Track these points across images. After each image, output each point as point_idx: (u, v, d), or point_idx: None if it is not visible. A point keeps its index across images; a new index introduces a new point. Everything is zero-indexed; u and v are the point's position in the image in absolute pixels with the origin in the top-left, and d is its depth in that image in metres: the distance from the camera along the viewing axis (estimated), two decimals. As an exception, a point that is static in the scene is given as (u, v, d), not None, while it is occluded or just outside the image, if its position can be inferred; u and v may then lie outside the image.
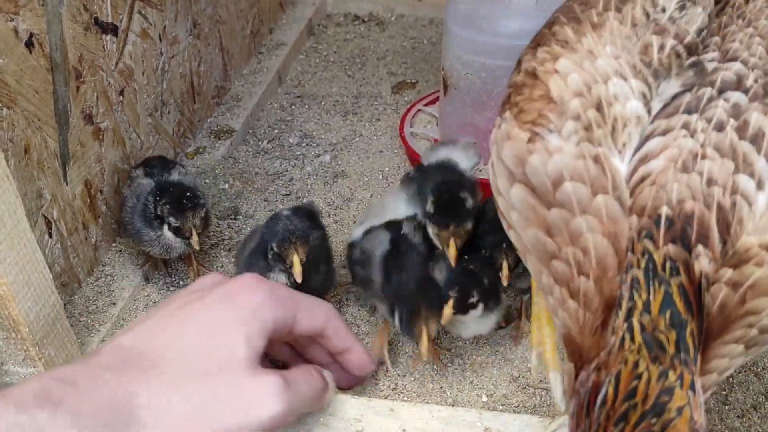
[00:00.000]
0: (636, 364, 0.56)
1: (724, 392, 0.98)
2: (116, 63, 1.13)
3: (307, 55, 1.90)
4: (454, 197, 1.00)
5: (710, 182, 0.59)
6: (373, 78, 1.79)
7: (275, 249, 0.93)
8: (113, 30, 1.11)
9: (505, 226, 0.74)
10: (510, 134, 0.69)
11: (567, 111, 0.65)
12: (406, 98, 1.69)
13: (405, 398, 0.98)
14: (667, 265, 0.58)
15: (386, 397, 0.98)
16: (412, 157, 1.43)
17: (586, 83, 0.66)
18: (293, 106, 1.66)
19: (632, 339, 0.57)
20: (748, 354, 0.62)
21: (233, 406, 0.68)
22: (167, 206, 1.03)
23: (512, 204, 0.68)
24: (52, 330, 0.89)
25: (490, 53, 1.29)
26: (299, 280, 0.91)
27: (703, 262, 0.58)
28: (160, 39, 1.26)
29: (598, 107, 0.65)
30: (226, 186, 1.37)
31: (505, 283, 0.97)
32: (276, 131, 1.57)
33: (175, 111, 1.36)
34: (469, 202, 1.01)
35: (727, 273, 0.58)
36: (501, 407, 0.97)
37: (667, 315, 0.57)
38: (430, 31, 1.99)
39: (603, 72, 0.67)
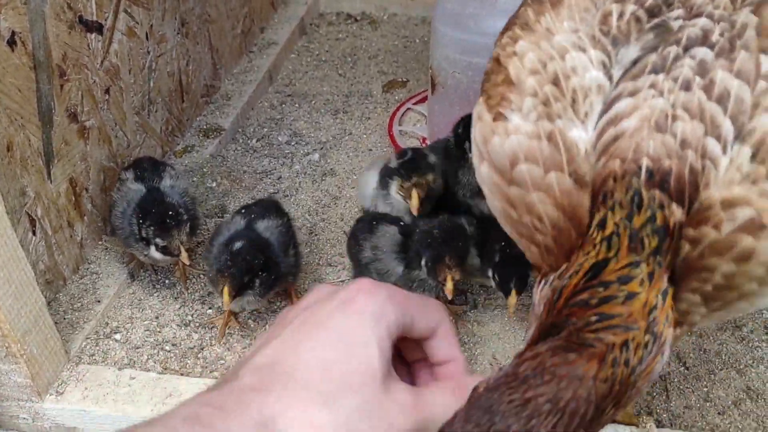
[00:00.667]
0: (607, 252, 0.62)
1: (705, 389, 0.98)
2: (102, 61, 1.14)
3: (298, 54, 1.90)
4: (418, 153, 1.12)
5: (684, 144, 0.62)
6: (364, 77, 1.80)
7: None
8: (98, 28, 1.12)
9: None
10: (480, 116, 0.73)
11: (524, 90, 0.68)
12: (396, 97, 1.70)
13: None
14: (655, 201, 0.62)
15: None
16: (400, 155, 1.43)
17: (542, 60, 0.69)
18: (283, 105, 1.66)
19: (604, 234, 0.62)
20: (710, 311, 0.65)
21: (376, 421, 0.67)
22: (152, 228, 1.02)
23: (482, 179, 0.74)
24: (34, 327, 0.90)
25: (476, 52, 1.29)
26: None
27: (677, 213, 0.62)
28: (147, 37, 1.27)
29: (555, 82, 0.68)
30: (214, 184, 1.38)
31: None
32: (266, 130, 1.57)
33: (163, 110, 1.36)
34: (432, 158, 1.12)
35: (689, 231, 0.62)
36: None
37: (649, 228, 0.61)
38: (422, 30, 1.99)
39: (560, 47, 0.69)
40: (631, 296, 0.60)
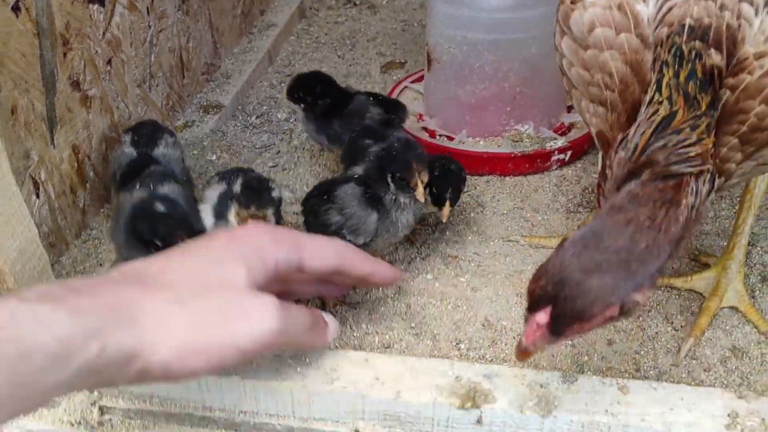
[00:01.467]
0: (671, 108, 0.76)
1: (692, 348, 1.01)
2: (103, 33, 1.17)
3: (298, 36, 1.93)
4: (263, 184, 1.06)
5: (722, 7, 0.78)
6: (363, 58, 1.82)
7: None
8: (100, 0, 1.14)
9: (565, 83, 0.92)
10: (562, 1, 0.90)
11: None
12: (394, 77, 1.72)
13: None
14: (693, 52, 0.77)
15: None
16: (397, 130, 1.45)
17: None
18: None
19: (662, 95, 0.77)
20: (744, 157, 0.77)
21: (232, 319, 0.72)
22: (154, 234, 0.97)
23: (563, 53, 0.88)
24: (37, 284, 0.92)
25: (471, 27, 1.32)
26: None
27: (715, 59, 0.76)
28: (147, 12, 1.29)
29: None
30: (214, 157, 1.40)
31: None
32: (265, 107, 1.60)
33: (163, 84, 1.39)
34: (275, 193, 1.06)
35: (729, 80, 0.76)
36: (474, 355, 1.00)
37: (691, 84, 0.76)
38: (420, 14, 2.02)
39: None
40: (700, 140, 0.74)
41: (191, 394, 0.96)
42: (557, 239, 1.19)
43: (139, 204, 0.99)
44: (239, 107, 1.59)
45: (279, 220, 1.04)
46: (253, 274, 0.75)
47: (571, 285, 0.69)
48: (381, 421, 0.93)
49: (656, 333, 1.03)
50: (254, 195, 1.00)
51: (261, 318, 0.72)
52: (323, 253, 0.83)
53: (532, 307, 0.72)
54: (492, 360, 1.00)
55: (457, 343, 1.02)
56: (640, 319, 1.05)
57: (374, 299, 1.10)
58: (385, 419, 0.92)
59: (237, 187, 1.02)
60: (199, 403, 0.96)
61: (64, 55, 1.07)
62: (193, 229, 0.98)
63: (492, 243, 1.21)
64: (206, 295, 0.71)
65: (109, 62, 1.19)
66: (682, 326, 1.04)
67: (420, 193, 1.04)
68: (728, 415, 0.85)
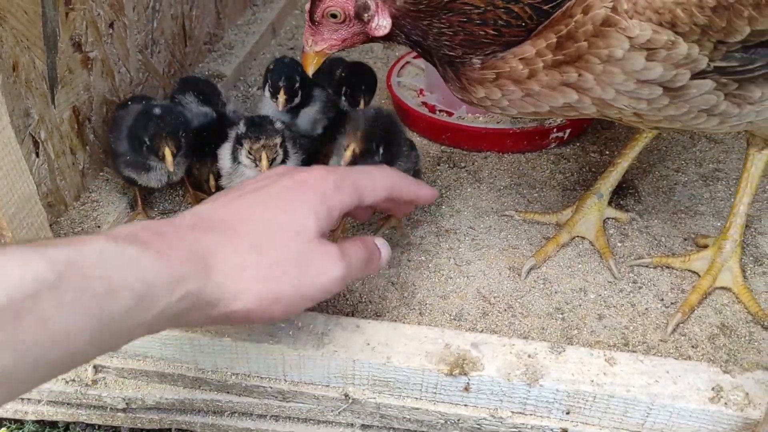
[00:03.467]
0: None
1: (681, 324, 1.02)
2: (106, -5, 1.17)
3: (302, 11, 1.93)
4: (264, 119, 1.12)
5: None
6: (366, 34, 1.82)
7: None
8: (104, -38, 1.14)
9: None
10: None
11: None
12: (396, 53, 1.72)
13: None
14: None
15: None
16: (398, 104, 1.46)
17: None
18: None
19: None
20: (554, 56, 0.83)
21: (305, 270, 0.76)
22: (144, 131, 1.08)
23: None
24: (36, 239, 0.93)
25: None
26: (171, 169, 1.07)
27: None
28: (151, -23, 1.29)
29: None
30: (214, 126, 1.41)
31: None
32: (266, 79, 1.60)
33: (165, 51, 1.39)
34: (278, 125, 1.12)
35: None
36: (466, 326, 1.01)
37: None
38: (425, -9, 2.00)
39: None
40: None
41: (184, 355, 0.97)
42: (552, 215, 1.20)
43: (142, 108, 1.11)
44: (241, 77, 1.59)
45: (286, 153, 1.09)
46: (320, 223, 0.79)
47: None
48: (371, 386, 0.94)
49: (646, 309, 1.04)
50: (260, 128, 1.07)
51: (329, 269, 0.78)
52: (377, 185, 0.89)
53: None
54: (483, 331, 1.01)
55: (448, 314, 1.04)
56: (631, 295, 1.06)
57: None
58: (374, 384, 0.93)
59: (242, 128, 1.08)
60: (192, 364, 0.98)
61: (66, 14, 1.07)
62: (178, 135, 1.07)
63: (487, 218, 1.22)
64: (279, 244, 0.75)
65: (111, 25, 1.19)
66: (672, 303, 1.05)
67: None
68: (713, 389, 0.86)
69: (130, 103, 1.17)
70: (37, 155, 1.05)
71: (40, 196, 1.03)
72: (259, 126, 1.08)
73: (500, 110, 0.91)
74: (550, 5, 0.83)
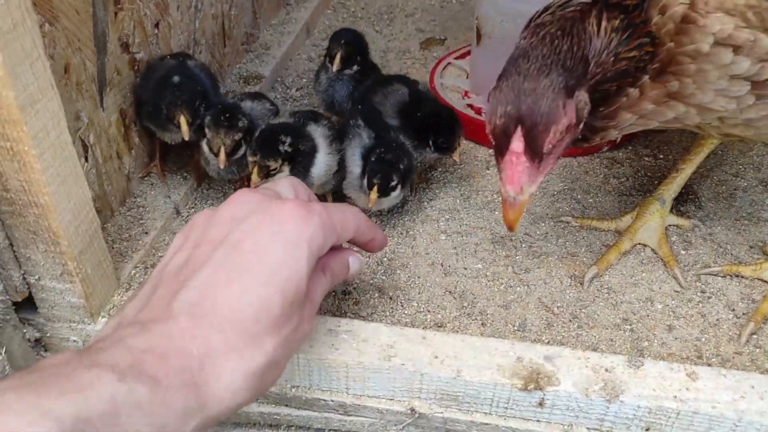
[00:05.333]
0: None
1: (755, 336, 0.98)
2: (153, -6, 1.13)
3: (335, 10, 1.89)
4: (234, 109, 1.10)
5: None
6: (401, 34, 1.78)
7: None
8: (150, -40, 1.11)
9: None
10: None
11: None
12: (434, 54, 1.68)
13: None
14: None
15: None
16: (442, 106, 1.42)
17: None
18: (321, 58, 1.64)
19: None
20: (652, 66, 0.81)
21: (294, 344, 0.72)
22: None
23: None
24: (89, 247, 0.90)
25: None
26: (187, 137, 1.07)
27: None
28: (194, -24, 1.26)
29: None
30: (256, 128, 1.37)
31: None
32: (304, 80, 1.56)
33: (206, 52, 1.35)
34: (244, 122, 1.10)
35: None
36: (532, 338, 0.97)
37: None
38: (458, -10, 1.97)
39: None
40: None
41: (241, 367, 0.94)
42: (611, 222, 1.16)
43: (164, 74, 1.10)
44: (278, 79, 1.55)
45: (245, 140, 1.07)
46: (310, 276, 0.72)
47: (527, 93, 0.71)
48: (438, 400, 0.90)
49: (717, 320, 1.00)
50: (223, 119, 1.04)
51: (306, 332, 0.74)
52: (347, 225, 0.81)
53: (501, 139, 0.72)
54: (549, 342, 0.97)
55: (511, 325, 1.00)
56: (700, 305, 1.02)
57: (421, 279, 1.07)
58: (442, 399, 0.90)
59: (206, 120, 1.07)
60: (250, 375, 0.94)
61: (115, 14, 1.03)
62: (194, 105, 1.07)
63: (543, 224, 1.18)
64: (278, 331, 0.68)
65: (156, 25, 1.16)
66: (744, 314, 1.01)
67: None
68: (802, 405, 0.83)
69: (168, 57, 1.16)
70: (86, 159, 1.01)
71: (89, 202, 1.00)
72: (223, 116, 1.04)
73: (617, 132, 0.88)
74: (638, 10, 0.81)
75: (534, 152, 0.71)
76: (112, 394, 0.54)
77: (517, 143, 0.70)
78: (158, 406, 0.57)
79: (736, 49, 0.78)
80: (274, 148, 1.03)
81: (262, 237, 0.70)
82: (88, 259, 0.90)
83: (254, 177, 1.02)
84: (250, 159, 1.03)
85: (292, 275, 0.69)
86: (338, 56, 1.25)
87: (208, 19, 1.34)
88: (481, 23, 1.36)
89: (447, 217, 1.19)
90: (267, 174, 1.03)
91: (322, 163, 1.09)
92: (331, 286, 0.81)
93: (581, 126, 0.78)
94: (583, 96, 0.76)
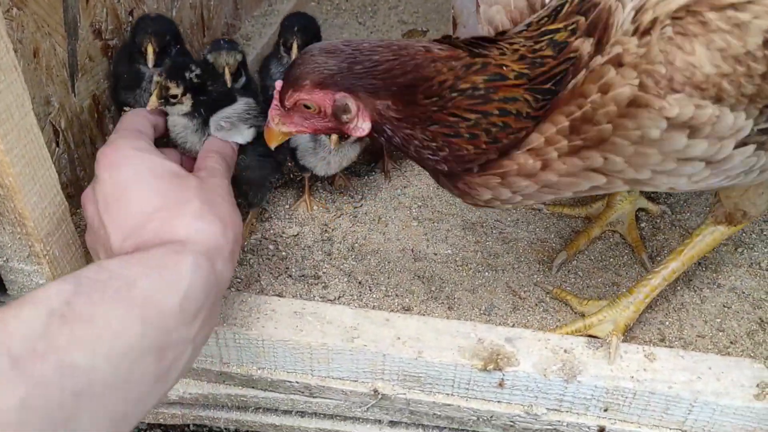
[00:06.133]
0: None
1: (718, 320, 0.99)
2: (127, -18, 1.14)
3: (318, 2, 1.90)
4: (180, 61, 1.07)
5: None
6: (384, 26, 1.79)
7: None
8: (124, -52, 1.12)
9: None
10: None
11: None
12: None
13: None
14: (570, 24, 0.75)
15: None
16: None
17: None
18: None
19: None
20: (571, 145, 0.73)
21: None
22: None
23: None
24: (57, 229, 0.91)
25: (500, -9, 1.28)
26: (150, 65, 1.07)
27: (581, 44, 0.73)
28: (171, -35, 1.26)
29: None
30: (233, 117, 1.38)
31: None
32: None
33: (184, 41, 1.36)
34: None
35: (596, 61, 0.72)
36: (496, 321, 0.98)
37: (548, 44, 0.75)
38: (442, -18, 1.98)
39: None
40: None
41: (208, 349, 0.95)
42: (582, 208, 1.17)
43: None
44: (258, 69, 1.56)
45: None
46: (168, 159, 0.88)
47: (305, 57, 0.79)
48: (401, 381, 0.91)
49: (682, 304, 1.01)
50: (169, 67, 1.01)
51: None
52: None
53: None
54: (514, 325, 0.98)
55: (477, 309, 1.01)
56: (665, 290, 1.03)
57: (391, 265, 1.08)
58: (405, 379, 0.91)
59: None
60: (217, 358, 0.95)
61: (87, 1, 1.04)
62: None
63: (514, 211, 1.19)
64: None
65: (131, 13, 1.16)
66: (709, 298, 1.02)
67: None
68: (757, 386, 0.84)
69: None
70: (57, 144, 1.02)
71: (60, 186, 1.01)
72: (172, 65, 1.01)
73: (513, 205, 0.83)
74: (552, 83, 0.73)
75: (281, 100, 0.82)
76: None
77: (279, 83, 0.82)
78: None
79: (693, 131, 0.69)
80: (181, 72, 0.99)
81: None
82: (55, 242, 0.91)
83: (153, 98, 0.96)
84: (155, 78, 0.98)
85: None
86: (295, 46, 1.20)
87: (186, 8, 1.35)
88: (457, 13, 1.36)
89: (419, 204, 1.20)
90: (167, 100, 0.97)
91: (231, 114, 1.04)
92: (224, 162, 0.93)
93: (336, 122, 0.80)
94: (347, 101, 0.78)
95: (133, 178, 0.81)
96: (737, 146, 0.71)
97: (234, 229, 0.80)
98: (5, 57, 0.78)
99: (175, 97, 0.96)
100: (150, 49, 1.06)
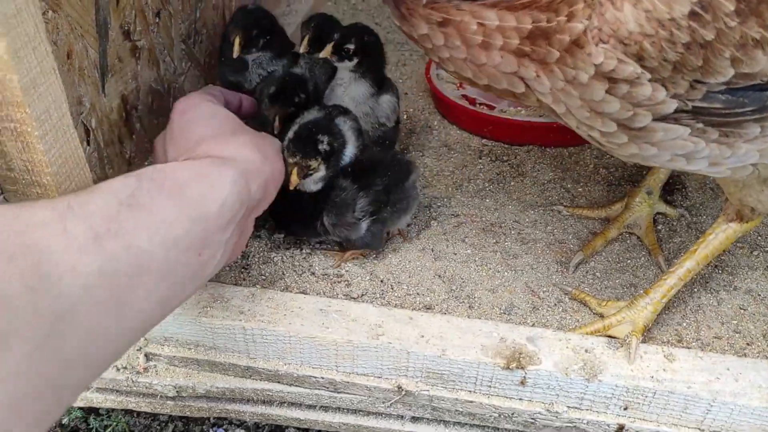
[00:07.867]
0: None
1: (734, 321, 1.01)
2: (154, -16, 1.16)
3: (335, 2, 1.92)
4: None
5: None
6: (400, 26, 1.81)
7: None
8: (152, -50, 1.14)
9: None
10: None
11: None
12: (432, 46, 1.71)
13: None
14: None
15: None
16: (438, 97, 1.45)
17: None
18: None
19: None
20: (521, 45, 0.73)
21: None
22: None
23: None
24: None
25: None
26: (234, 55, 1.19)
27: None
28: (195, -34, 1.29)
29: None
30: (255, 117, 1.40)
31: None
32: (304, 70, 1.59)
33: (206, 42, 1.38)
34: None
35: None
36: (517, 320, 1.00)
37: None
38: (458, -16, 1.99)
39: None
40: None
41: (236, 345, 0.97)
42: (601, 210, 1.19)
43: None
44: (278, 69, 1.58)
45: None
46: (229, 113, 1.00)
47: None
48: (424, 378, 0.93)
49: (698, 306, 1.03)
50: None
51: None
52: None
53: None
54: (534, 325, 1.00)
55: (498, 308, 1.03)
56: (682, 292, 1.05)
57: (412, 264, 1.10)
58: (428, 377, 0.93)
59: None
60: (244, 353, 0.98)
61: (117, 2, 1.06)
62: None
63: (532, 212, 1.21)
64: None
65: (157, 14, 1.18)
66: (726, 300, 1.04)
67: None
68: (775, 387, 0.85)
69: None
70: (88, 143, 1.04)
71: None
72: (297, 137, 1.02)
73: (438, 60, 0.81)
74: None
75: None
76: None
77: None
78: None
79: (612, 86, 0.71)
80: (313, 147, 1.00)
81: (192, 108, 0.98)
82: (88, 239, 0.93)
83: (293, 178, 0.97)
84: (289, 160, 0.98)
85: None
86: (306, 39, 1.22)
87: (209, 9, 1.37)
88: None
89: (439, 204, 1.22)
90: (306, 174, 1.00)
91: (349, 157, 1.07)
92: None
93: None
94: None
95: (196, 117, 0.94)
96: (657, 120, 0.73)
97: (272, 165, 0.90)
98: (45, 60, 0.80)
99: (314, 169, 1.00)
100: (236, 41, 1.17)
